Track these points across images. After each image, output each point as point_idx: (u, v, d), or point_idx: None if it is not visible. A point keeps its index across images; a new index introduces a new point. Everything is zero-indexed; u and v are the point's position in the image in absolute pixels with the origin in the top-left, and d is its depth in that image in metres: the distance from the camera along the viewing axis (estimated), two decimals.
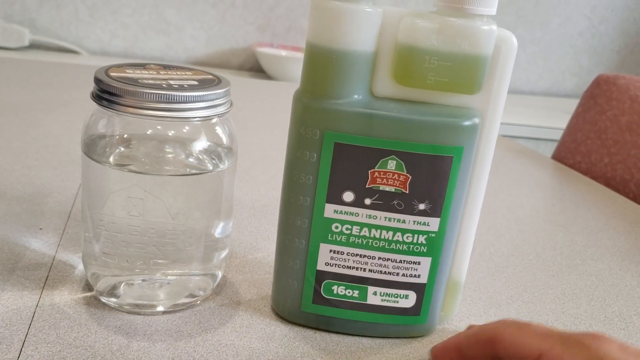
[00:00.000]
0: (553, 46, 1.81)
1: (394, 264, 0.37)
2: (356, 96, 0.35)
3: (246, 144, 0.75)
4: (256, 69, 1.65)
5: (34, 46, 1.55)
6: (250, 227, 0.52)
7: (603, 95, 0.88)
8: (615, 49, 1.85)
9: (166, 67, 0.39)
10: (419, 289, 0.38)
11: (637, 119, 0.83)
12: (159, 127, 0.37)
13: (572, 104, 0.96)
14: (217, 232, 0.40)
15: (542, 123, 1.48)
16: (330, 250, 0.37)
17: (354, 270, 0.37)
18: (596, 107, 0.88)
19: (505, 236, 0.58)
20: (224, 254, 0.41)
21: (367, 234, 0.37)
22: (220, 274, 0.41)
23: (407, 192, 0.36)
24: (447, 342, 0.35)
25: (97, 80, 0.35)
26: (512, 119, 1.46)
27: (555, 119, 1.49)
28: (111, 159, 0.37)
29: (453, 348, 0.35)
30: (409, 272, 0.37)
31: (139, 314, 0.38)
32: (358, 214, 0.36)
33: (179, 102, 0.34)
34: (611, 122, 0.86)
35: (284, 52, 1.58)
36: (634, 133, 0.83)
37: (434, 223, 0.36)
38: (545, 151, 1.42)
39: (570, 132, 0.92)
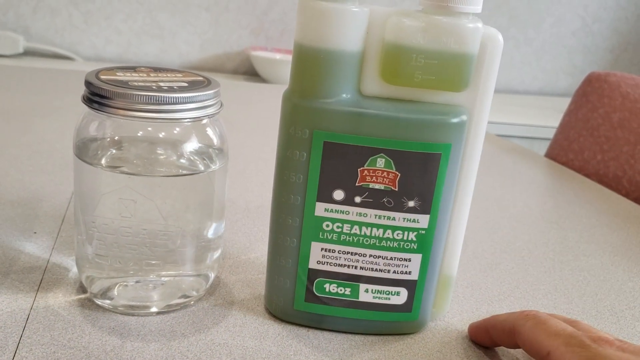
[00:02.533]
0: (546, 46, 1.82)
1: (385, 261, 0.37)
2: (344, 95, 0.35)
3: (240, 146, 0.75)
4: (250, 72, 1.66)
5: (28, 53, 1.55)
6: (244, 229, 0.53)
7: (595, 92, 0.88)
8: (608, 48, 1.86)
9: (156, 70, 0.39)
10: (410, 285, 0.38)
11: (629, 116, 0.84)
12: (149, 128, 0.37)
13: (566, 103, 0.96)
14: (210, 232, 0.40)
15: (536, 122, 1.49)
16: (322, 249, 0.37)
17: (346, 268, 0.38)
18: (588, 104, 0.89)
19: (497, 233, 0.59)
20: (216, 254, 0.42)
21: (357, 231, 0.37)
22: (213, 274, 0.42)
23: (397, 189, 0.36)
24: (480, 323, 0.39)
25: (88, 83, 0.36)
26: (506, 119, 1.47)
27: (550, 118, 1.50)
28: (103, 161, 0.37)
29: (483, 329, 0.39)
30: (399, 269, 0.38)
31: (132, 315, 0.38)
32: (348, 212, 0.37)
33: (169, 104, 0.35)
34: (603, 119, 0.86)
35: (278, 56, 1.58)
36: (626, 130, 0.84)
37: (423, 220, 0.37)
38: (540, 150, 1.43)
39: (563, 130, 0.92)
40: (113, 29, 1.58)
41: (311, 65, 0.35)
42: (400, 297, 0.38)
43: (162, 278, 0.39)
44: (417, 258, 0.38)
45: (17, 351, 0.34)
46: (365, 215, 0.37)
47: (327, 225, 0.37)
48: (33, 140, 0.69)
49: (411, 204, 0.36)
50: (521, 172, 0.80)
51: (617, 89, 0.86)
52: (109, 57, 1.60)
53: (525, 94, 1.84)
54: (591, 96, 0.89)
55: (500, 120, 1.45)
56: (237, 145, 0.75)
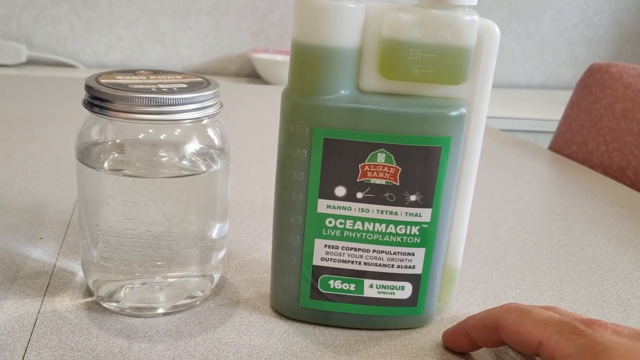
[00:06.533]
0: (548, 39, 1.82)
1: (389, 255, 0.37)
2: (343, 92, 0.35)
3: (244, 148, 0.75)
4: (252, 75, 1.66)
5: (31, 62, 1.56)
6: (248, 228, 0.53)
7: (597, 84, 0.88)
8: (610, 39, 1.86)
9: (156, 72, 0.39)
10: (414, 279, 0.38)
11: (632, 106, 0.84)
12: (150, 130, 0.37)
13: (570, 96, 0.96)
14: (214, 233, 0.40)
15: (539, 116, 1.48)
16: (325, 245, 0.38)
17: (350, 264, 0.38)
18: (590, 96, 0.88)
19: (502, 227, 0.58)
20: (221, 254, 0.42)
21: (360, 227, 0.37)
22: (218, 274, 0.42)
23: (398, 184, 0.36)
24: (456, 327, 0.37)
25: (88, 88, 0.36)
26: (509, 113, 1.46)
27: (554, 111, 1.49)
28: (105, 165, 0.38)
29: (462, 332, 0.37)
30: (403, 264, 0.38)
31: (139, 316, 0.39)
32: (351, 208, 0.37)
33: (169, 105, 0.35)
34: (606, 110, 0.86)
35: (279, 57, 1.59)
36: (629, 120, 0.84)
37: (425, 214, 0.37)
38: (544, 144, 1.43)
39: (566, 123, 0.92)
40: (115, 36, 1.59)
41: (309, 63, 0.35)
42: (405, 291, 0.38)
43: (168, 279, 0.39)
44: (420, 252, 0.38)
45: (26, 355, 0.34)
46: (368, 210, 0.37)
47: (330, 222, 0.37)
48: (37, 148, 0.69)
49: (413, 198, 0.36)
50: (525, 166, 0.80)
51: (619, 80, 0.86)
52: (111, 64, 1.61)
53: (528, 88, 1.84)
54: (593, 88, 0.88)
55: (504, 115, 1.45)
56: (241, 146, 0.75)
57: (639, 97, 0.84)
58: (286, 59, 1.57)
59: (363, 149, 0.35)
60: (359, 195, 0.36)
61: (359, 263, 0.38)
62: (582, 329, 0.30)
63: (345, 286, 0.38)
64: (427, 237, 0.37)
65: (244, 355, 0.36)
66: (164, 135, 0.38)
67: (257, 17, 1.65)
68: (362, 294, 0.38)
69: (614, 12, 1.83)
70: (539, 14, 1.79)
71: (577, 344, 0.30)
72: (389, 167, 0.36)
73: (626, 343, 0.29)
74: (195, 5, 1.60)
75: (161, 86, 0.36)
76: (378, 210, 0.37)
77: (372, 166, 0.36)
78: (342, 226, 0.37)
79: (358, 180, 0.36)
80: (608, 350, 0.29)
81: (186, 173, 0.39)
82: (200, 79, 0.39)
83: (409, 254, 0.38)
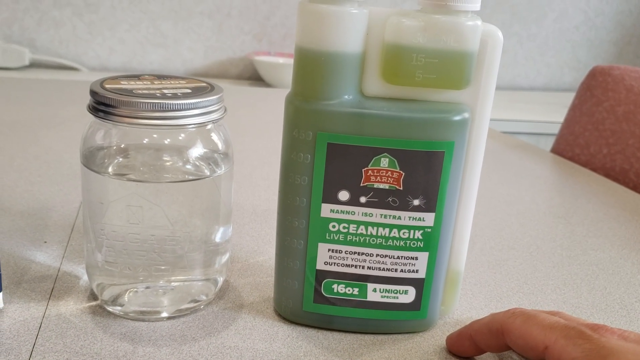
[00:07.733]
0: (550, 41, 1.82)
1: (392, 260, 0.38)
2: (346, 96, 0.35)
3: (247, 151, 0.75)
4: (255, 77, 1.66)
5: (34, 65, 1.57)
6: (251, 232, 0.53)
7: (599, 86, 0.88)
8: (612, 41, 1.86)
9: (160, 77, 0.40)
10: (417, 284, 0.38)
11: (634, 109, 0.84)
12: (155, 135, 0.37)
13: (572, 98, 0.96)
14: (217, 237, 0.41)
15: (542, 118, 1.48)
16: (329, 250, 0.38)
17: (353, 268, 0.38)
18: (592, 98, 0.89)
19: (505, 230, 0.59)
20: (224, 258, 0.42)
21: (364, 231, 0.37)
22: (221, 278, 0.42)
23: (401, 188, 0.36)
24: (460, 331, 0.37)
25: (93, 93, 0.36)
26: (512, 116, 1.46)
27: (556, 113, 1.50)
28: (110, 169, 0.38)
29: (466, 336, 0.37)
30: (407, 268, 0.38)
31: (143, 320, 0.39)
32: (354, 213, 0.37)
33: (173, 110, 0.35)
34: (608, 113, 0.86)
35: (281, 60, 1.59)
36: (631, 123, 0.84)
37: (429, 218, 0.37)
38: (546, 146, 1.43)
39: (568, 125, 0.92)
40: (117, 38, 1.59)
41: (312, 68, 0.35)
42: (408, 295, 0.39)
43: (172, 283, 0.40)
44: (423, 256, 0.38)
45: (31, 359, 0.34)
46: (371, 215, 0.37)
47: (333, 226, 0.37)
48: (41, 151, 0.69)
49: (416, 202, 0.36)
50: (527, 168, 0.80)
51: (621, 82, 0.86)
52: (114, 67, 1.61)
53: (530, 90, 1.84)
54: (595, 90, 0.88)
55: (506, 117, 1.45)
56: (244, 149, 0.76)
57: None
58: (288, 61, 1.57)
59: (366, 153, 0.35)
60: (363, 199, 0.37)
61: (363, 267, 0.38)
62: (588, 334, 0.30)
63: (349, 290, 0.38)
64: (431, 241, 0.37)
65: (247, 359, 0.36)
66: (168, 140, 0.38)
67: (259, 20, 1.65)
68: (366, 298, 0.38)
69: (616, 14, 1.83)
70: (541, 16, 1.79)
71: (583, 348, 0.30)
72: (392, 172, 0.36)
73: (633, 347, 0.29)
74: (197, 8, 1.61)
75: (165, 91, 0.36)
76: (381, 215, 0.37)
77: (375, 171, 0.36)
78: (346, 230, 0.37)
79: (361, 184, 0.36)
80: (615, 355, 0.29)
81: (190, 177, 0.39)
82: (204, 84, 0.39)
83: (412, 258, 0.38)
